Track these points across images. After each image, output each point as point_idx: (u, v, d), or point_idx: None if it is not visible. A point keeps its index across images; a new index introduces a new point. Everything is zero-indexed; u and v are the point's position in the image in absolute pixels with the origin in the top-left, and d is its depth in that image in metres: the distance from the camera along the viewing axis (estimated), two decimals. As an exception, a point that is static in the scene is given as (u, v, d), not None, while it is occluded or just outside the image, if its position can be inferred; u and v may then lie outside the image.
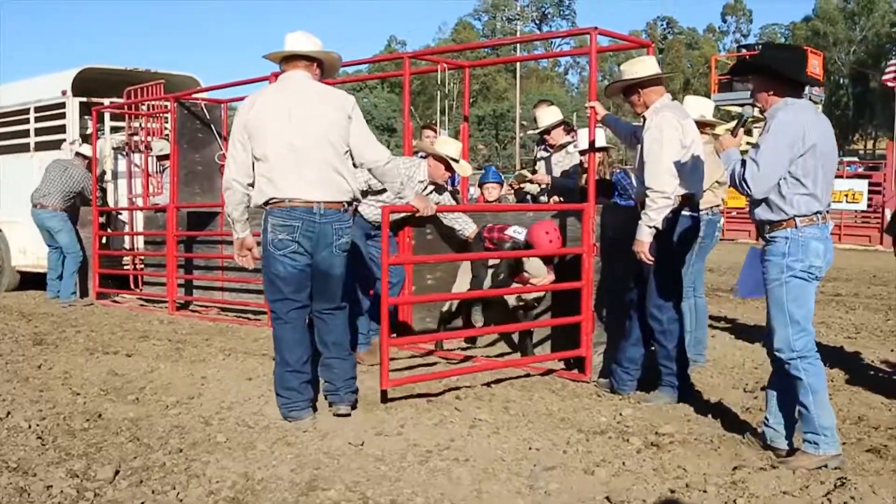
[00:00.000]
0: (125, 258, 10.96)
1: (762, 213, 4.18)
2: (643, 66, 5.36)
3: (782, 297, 4.13)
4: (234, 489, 3.79)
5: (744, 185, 4.07)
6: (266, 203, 4.83)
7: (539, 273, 6.14)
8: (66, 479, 3.88)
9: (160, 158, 10.39)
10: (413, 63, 7.55)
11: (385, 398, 5.22)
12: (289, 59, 4.94)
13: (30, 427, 4.75)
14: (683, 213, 5.31)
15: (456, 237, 6.80)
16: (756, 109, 4.53)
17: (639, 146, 5.35)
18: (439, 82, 7.67)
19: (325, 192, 4.80)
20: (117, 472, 3.97)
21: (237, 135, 4.86)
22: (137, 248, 10.88)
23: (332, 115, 4.82)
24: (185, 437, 4.56)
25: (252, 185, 4.90)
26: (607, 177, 6.77)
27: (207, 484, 3.85)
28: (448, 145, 6.55)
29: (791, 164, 4.04)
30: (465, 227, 6.71)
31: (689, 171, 5.20)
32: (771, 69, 4.19)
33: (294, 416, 4.85)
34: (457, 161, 6.45)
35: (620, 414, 5.07)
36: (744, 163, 4.09)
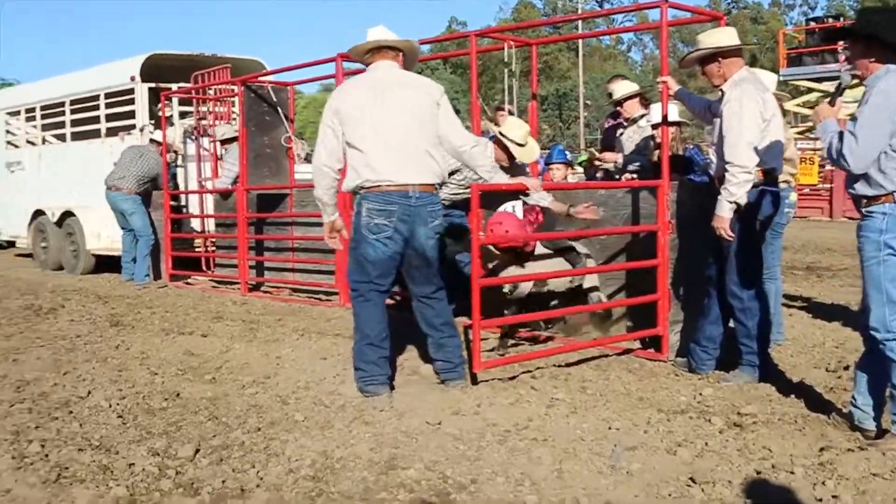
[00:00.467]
0: (197, 241, 11.12)
1: (860, 187, 3.97)
2: (724, 35, 5.18)
3: (879, 275, 3.94)
4: (314, 468, 3.80)
5: (842, 159, 3.86)
6: (360, 187, 4.87)
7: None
8: (148, 457, 3.93)
9: (223, 143, 10.50)
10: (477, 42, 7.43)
11: (475, 381, 5.17)
12: (375, 52, 5.04)
13: (110, 406, 4.84)
14: (764, 188, 5.15)
15: None
16: (851, 77, 4.29)
17: (717, 120, 5.19)
18: (506, 59, 7.55)
19: (419, 175, 4.85)
20: (197, 451, 4.02)
21: (328, 121, 4.93)
22: (208, 231, 11.03)
23: (422, 100, 4.91)
24: (262, 417, 4.60)
25: (341, 170, 4.99)
26: (680, 152, 6.60)
27: (287, 462, 3.87)
28: (514, 129, 6.37)
29: (892, 136, 3.81)
30: (541, 200, 6.54)
31: (770, 144, 5.03)
32: (872, 34, 3.94)
33: (371, 391, 4.86)
34: (522, 145, 6.32)
35: (700, 394, 4.96)
36: (841, 136, 3.87)
